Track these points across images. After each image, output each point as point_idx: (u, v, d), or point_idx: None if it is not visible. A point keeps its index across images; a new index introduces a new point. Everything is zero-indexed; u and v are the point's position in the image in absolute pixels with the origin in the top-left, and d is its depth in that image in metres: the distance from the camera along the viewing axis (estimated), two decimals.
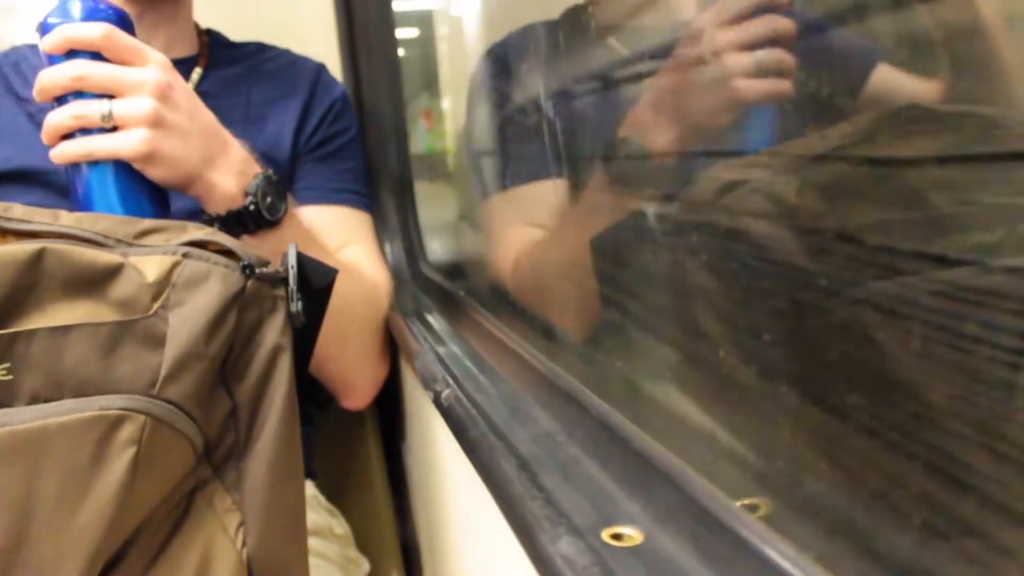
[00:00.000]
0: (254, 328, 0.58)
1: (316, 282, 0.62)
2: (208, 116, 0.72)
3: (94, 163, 0.67)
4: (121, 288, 0.54)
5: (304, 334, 0.64)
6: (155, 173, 0.68)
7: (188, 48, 0.95)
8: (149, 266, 0.55)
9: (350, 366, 0.82)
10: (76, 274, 0.54)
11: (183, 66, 0.86)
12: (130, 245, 0.58)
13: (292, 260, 0.60)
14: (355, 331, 0.81)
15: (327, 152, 0.95)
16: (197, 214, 0.78)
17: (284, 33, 1.05)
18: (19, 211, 0.59)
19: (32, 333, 0.52)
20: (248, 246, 0.72)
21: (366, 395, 0.91)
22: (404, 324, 0.91)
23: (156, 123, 0.66)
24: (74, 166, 0.67)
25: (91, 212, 0.66)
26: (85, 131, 0.66)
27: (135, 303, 0.54)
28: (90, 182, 0.67)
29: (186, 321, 0.54)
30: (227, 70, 0.92)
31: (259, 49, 0.99)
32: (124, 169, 0.67)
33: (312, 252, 0.78)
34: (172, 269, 0.55)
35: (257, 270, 0.57)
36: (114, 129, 0.66)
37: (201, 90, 0.89)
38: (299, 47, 1.02)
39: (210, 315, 0.55)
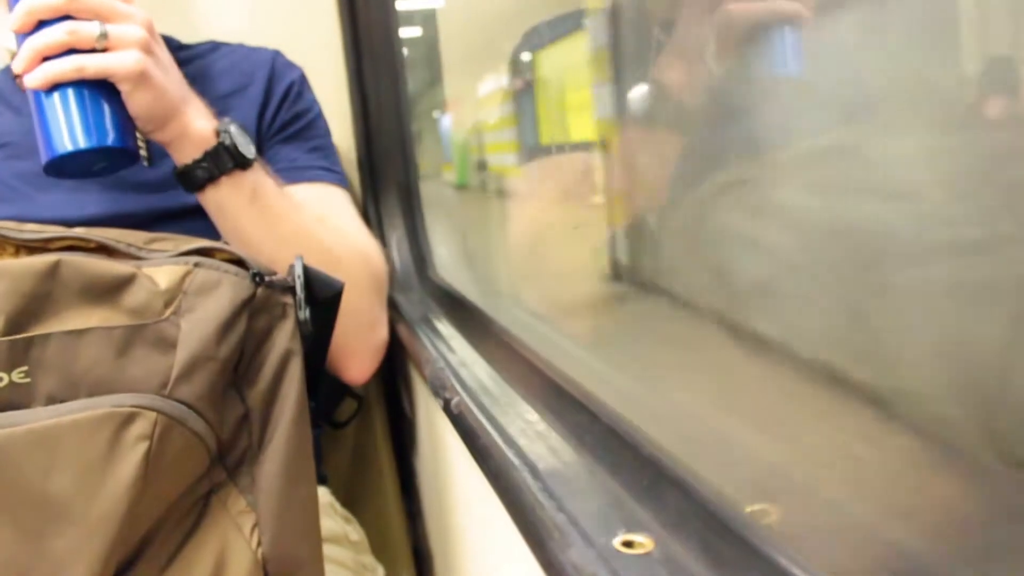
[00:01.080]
0: (265, 334, 0.59)
1: (321, 293, 0.63)
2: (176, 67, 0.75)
3: (70, 88, 0.65)
4: (134, 295, 0.56)
5: (315, 343, 0.64)
6: (141, 99, 0.68)
7: None
8: (161, 275, 0.57)
9: (347, 327, 0.80)
10: (91, 283, 0.56)
11: None
12: (140, 249, 0.59)
13: (299, 270, 0.61)
14: (354, 276, 0.80)
15: (292, 133, 0.95)
16: (183, 212, 0.79)
17: (287, 41, 1.05)
18: (31, 225, 0.61)
19: (47, 337, 0.54)
20: (224, 191, 0.73)
21: (366, 364, 0.88)
22: (413, 331, 0.91)
23: (147, 50, 0.68)
24: (45, 93, 0.65)
25: (52, 144, 0.65)
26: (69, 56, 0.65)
27: (148, 309, 0.56)
28: (60, 109, 0.65)
29: (197, 325, 0.56)
30: (181, 71, 0.92)
31: (212, 48, 0.99)
32: (102, 95, 0.67)
33: (286, 203, 0.78)
34: (184, 277, 0.57)
35: (266, 278, 0.59)
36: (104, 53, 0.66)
37: None
38: (302, 55, 1.02)
39: (221, 319, 0.56)
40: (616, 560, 0.39)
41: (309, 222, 0.80)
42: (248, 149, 0.75)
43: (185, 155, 0.73)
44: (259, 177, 0.76)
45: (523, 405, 0.62)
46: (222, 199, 0.75)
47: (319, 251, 0.75)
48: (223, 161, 0.73)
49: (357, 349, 0.85)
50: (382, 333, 0.89)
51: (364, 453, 1.15)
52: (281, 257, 0.70)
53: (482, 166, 1.11)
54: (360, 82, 1.23)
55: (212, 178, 0.73)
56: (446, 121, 1.36)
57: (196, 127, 0.73)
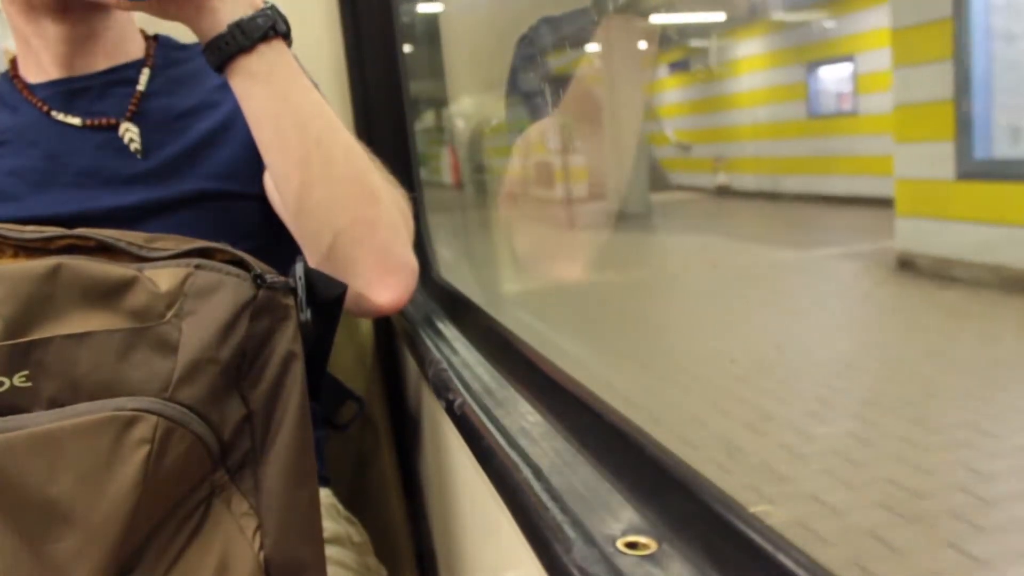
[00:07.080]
0: (266, 336, 0.59)
1: (323, 294, 0.63)
2: None
3: None
4: (135, 298, 0.56)
5: (316, 345, 0.64)
6: None
7: (134, 53, 0.94)
8: (162, 277, 0.57)
9: (388, 231, 0.75)
10: (91, 285, 0.56)
11: (130, 69, 0.86)
12: (140, 247, 0.59)
13: (300, 272, 0.61)
14: (385, 194, 0.77)
15: None
16: (177, 204, 0.78)
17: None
18: (31, 227, 0.61)
19: (48, 340, 0.54)
20: (275, 52, 0.70)
21: (402, 284, 0.78)
22: (417, 333, 0.91)
23: None
24: None
25: None
26: None
27: (148, 312, 0.56)
28: None
29: (198, 328, 0.56)
30: (175, 69, 0.91)
31: None
32: None
33: (304, 84, 0.74)
34: (185, 279, 0.57)
35: (268, 279, 0.59)
36: None
37: (150, 90, 0.89)
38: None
39: (221, 322, 0.56)
40: (619, 561, 0.39)
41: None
42: (287, 24, 0.72)
43: (226, 9, 0.69)
44: (286, 59, 0.72)
45: (526, 406, 0.62)
46: (275, 59, 0.70)
47: (361, 149, 0.74)
48: (279, 20, 0.70)
49: (398, 255, 0.77)
50: (415, 260, 0.82)
51: (367, 455, 1.15)
52: (328, 138, 0.70)
53: None
54: (361, 78, 1.23)
55: (269, 34, 0.69)
56: None
57: None
